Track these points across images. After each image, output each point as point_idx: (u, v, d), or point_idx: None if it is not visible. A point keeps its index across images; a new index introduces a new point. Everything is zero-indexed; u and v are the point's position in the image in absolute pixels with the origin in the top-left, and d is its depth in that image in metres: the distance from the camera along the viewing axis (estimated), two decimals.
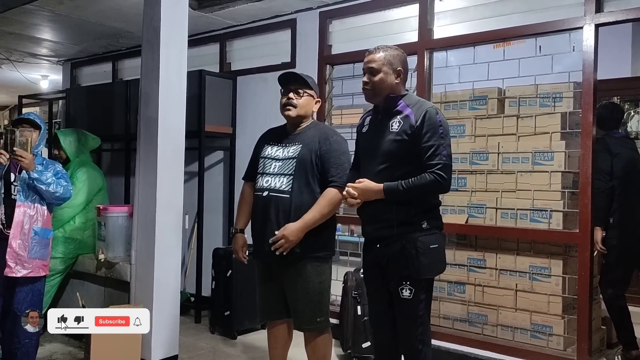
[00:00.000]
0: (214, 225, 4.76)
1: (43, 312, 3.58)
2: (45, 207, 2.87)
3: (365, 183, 2.29)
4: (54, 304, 3.77)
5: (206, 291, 4.35)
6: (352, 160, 2.61)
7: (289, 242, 2.52)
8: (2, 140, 2.69)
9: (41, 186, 2.77)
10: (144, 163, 3.24)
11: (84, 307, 2.94)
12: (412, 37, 3.78)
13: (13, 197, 2.77)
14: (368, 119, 2.49)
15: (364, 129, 2.48)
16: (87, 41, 5.52)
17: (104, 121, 5.15)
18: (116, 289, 3.52)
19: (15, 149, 2.68)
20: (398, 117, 2.31)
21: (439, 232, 2.33)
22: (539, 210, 3.29)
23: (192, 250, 4.65)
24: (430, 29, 3.71)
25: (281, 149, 2.70)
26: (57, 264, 3.65)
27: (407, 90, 2.43)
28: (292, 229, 2.52)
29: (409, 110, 2.30)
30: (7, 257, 2.70)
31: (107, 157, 5.69)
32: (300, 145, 2.66)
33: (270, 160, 2.70)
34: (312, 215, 2.54)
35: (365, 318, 3.33)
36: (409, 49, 3.71)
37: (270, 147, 2.75)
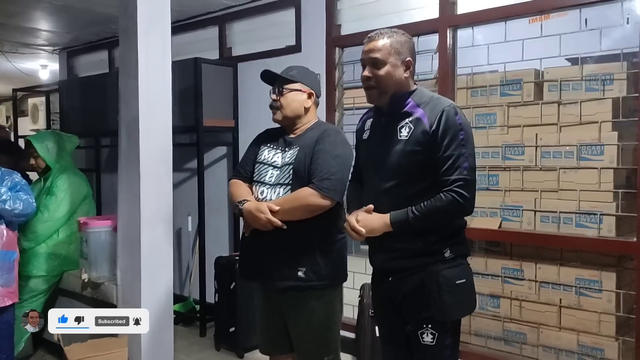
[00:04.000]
0: (218, 227, 4.37)
1: (25, 337, 3.30)
2: (4, 227, 2.52)
3: (367, 217, 1.86)
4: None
5: (210, 298, 4.00)
6: (350, 170, 2.17)
7: None
8: None
9: None
10: (126, 171, 2.84)
11: (59, 341, 2.58)
12: (432, 12, 3.26)
13: None
14: (369, 122, 2.02)
15: (365, 135, 2.02)
16: (79, 28, 5.12)
17: (100, 115, 4.75)
18: None
19: None
20: (407, 120, 1.85)
21: (465, 263, 1.90)
22: (587, 214, 2.80)
23: (196, 254, 4.29)
24: (453, 3, 3.19)
25: (280, 154, 2.27)
26: (39, 284, 3.30)
27: (415, 84, 1.96)
28: None
29: (420, 112, 1.84)
30: None
31: (105, 154, 5.33)
32: (298, 149, 2.22)
33: (266, 166, 2.27)
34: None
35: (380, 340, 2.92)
36: (428, 26, 3.26)
37: (267, 151, 2.31)
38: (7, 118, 9.56)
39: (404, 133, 1.83)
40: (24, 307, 3.27)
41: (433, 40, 3.26)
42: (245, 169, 2.32)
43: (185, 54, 4.23)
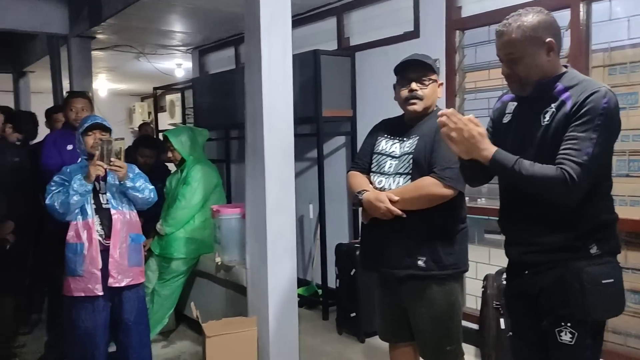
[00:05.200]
0: (338, 214, 4.47)
1: (168, 314, 3.66)
2: (135, 212, 2.82)
3: (477, 127, 1.70)
4: (182, 303, 3.77)
5: (332, 283, 4.11)
6: None
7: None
8: (97, 152, 2.63)
9: (136, 194, 2.74)
10: (252, 162, 3.01)
11: (198, 318, 2.82)
12: None
13: (104, 206, 2.71)
14: (511, 105, 1.87)
15: (506, 119, 1.88)
16: (209, 28, 5.49)
17: (229, 109, 5.07)
18: (236, 291, 3.40)
19: (112, 159, 2.62)
20: (552, 105, 1.70)
21: (614, 261, 1.72)
22: None
23: (318, 241, 4.43)
24: None
25: (398, 144, 2.27)
26: (179, 265, 3.62)
27: (566, 66, 1.78)
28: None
29: (566, 95, 1.68)
30: (109, 267, 2.65)
31: (234, 146, 5.67)
32: (417, 138, 2.21)
33: (385, 157, 2.28)
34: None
35: (511, 334, 2.80)
36: (559, 1, 3.04)
37: (385, 141, 2.32)
38: (149, 114, 10.52)
39: (547, 118, 1.70)
40: (167, 286, 3.65)
41: (565, 15, 3.04)
42: (363, 160, 2.35)
43: (304, 47, 4.36)
